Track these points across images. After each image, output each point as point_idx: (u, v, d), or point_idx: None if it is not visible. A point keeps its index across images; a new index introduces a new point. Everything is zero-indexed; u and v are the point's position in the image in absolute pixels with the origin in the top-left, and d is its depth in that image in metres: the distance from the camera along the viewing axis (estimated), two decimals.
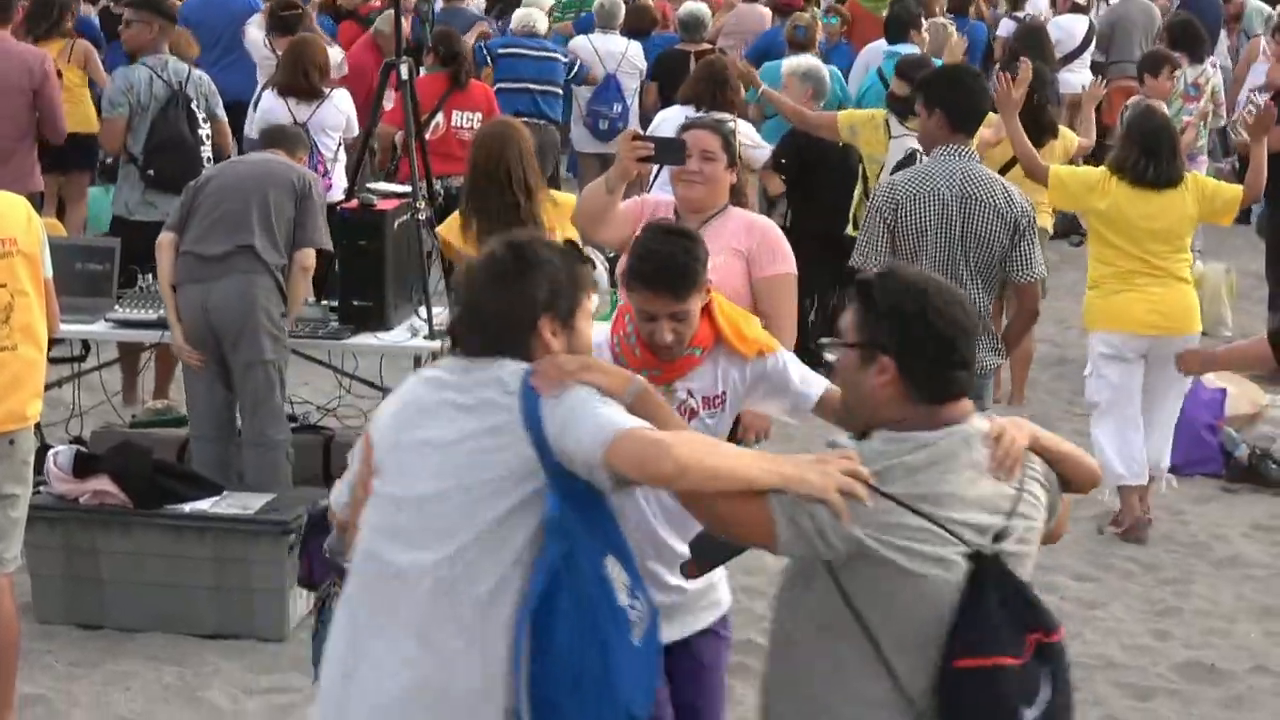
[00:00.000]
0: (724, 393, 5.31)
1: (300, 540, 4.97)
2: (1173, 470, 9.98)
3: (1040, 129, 10.74)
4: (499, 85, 14.33)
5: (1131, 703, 7.55)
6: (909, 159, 10.16)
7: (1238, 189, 9.55)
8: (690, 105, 11.19)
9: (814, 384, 5.25)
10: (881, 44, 14.26)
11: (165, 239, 8.85)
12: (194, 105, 10.77)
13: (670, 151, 6.71)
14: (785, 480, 3.85)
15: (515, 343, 4.19)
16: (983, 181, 7.78)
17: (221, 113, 11.16)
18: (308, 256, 8.88)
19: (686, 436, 4.04)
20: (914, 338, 4.00)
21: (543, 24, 15.28)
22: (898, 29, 14.01)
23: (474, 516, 4.09)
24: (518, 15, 15.57)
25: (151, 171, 10.57)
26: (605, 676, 4.02)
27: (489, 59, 14.70)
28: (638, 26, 16.34)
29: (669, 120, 11.04)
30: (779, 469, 3.88)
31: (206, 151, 10.70)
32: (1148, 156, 9.14)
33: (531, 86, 14.51)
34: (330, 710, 4.24)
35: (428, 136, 11.17)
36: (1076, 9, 18.83)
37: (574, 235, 8.03)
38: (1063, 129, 11.54)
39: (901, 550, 3.85)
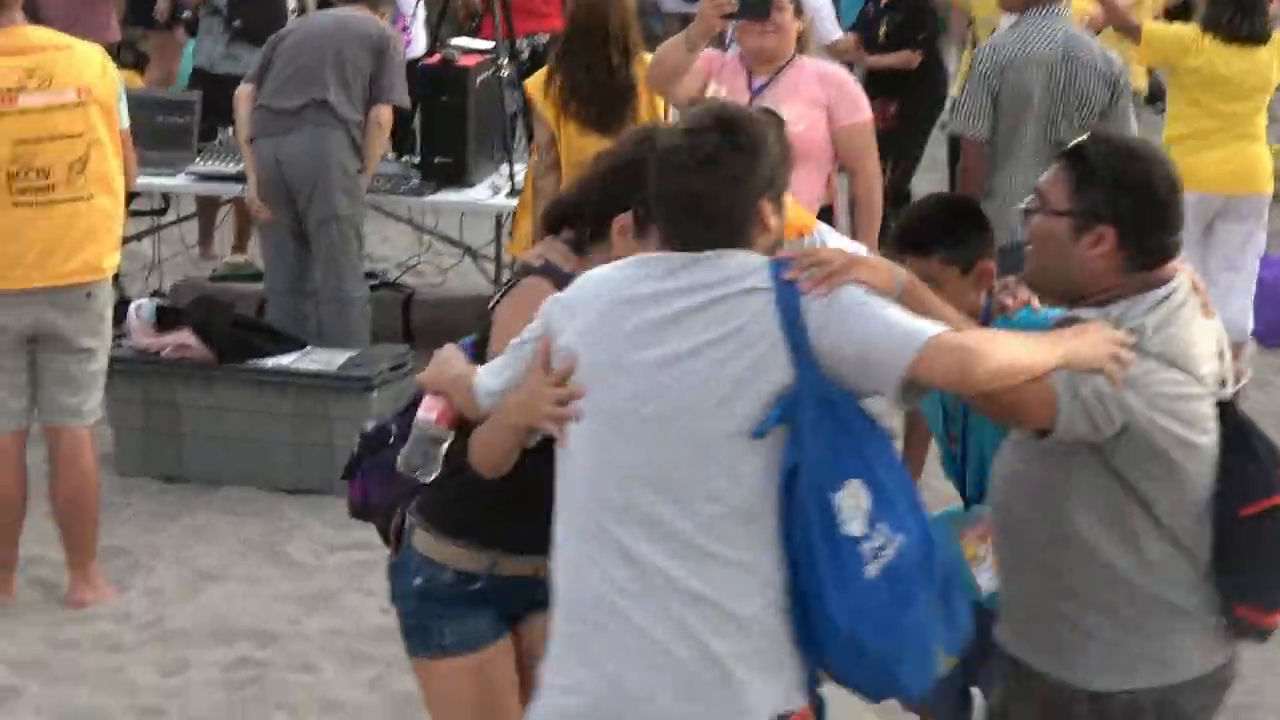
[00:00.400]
0: None
1: (354, 458, 4.49)
2: (1257, 339, 9.87)
3: None
4: None
5: None
6: None
7: None
8: None
9: None
10: None
11: (243, 91, 8.80)
12: None
13: (753, 6, 6.67)
14: (1067, 356, 3.61)
15: (737, 230, 3.60)
16: (1081, 41, 7.68)
17: None
18: (385, 113, 8.79)
19: (979, 334, 3.65)
20: (1138, 207, 3.83)
21: None
22: None
23: (714, 434, 3.52)
24: None
25: (237, 23, 10.47)
26: (820, 606, 3.65)
27: None
28: None
29: None
30: (1060, 347, 3.63)
31: (291, 3, 10.58)
32: (1241, 12, 9.04)
33: None
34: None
35: None
36: None
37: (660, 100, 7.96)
38: None
39: (1173, 416, 3.75)
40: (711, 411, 3.48)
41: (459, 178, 9.26)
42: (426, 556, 4.19)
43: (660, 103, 7.91)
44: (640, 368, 3.53)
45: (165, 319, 8.05)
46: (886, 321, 3.50)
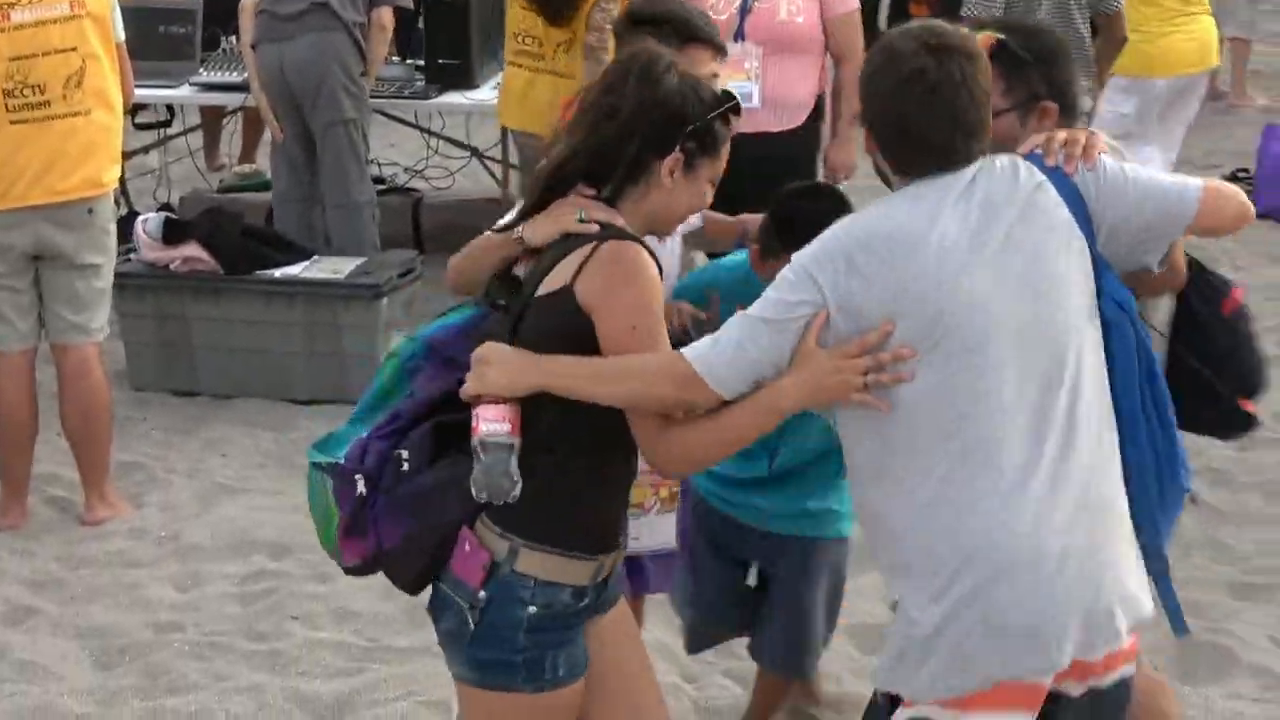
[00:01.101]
0: None
1: (355, 513, 3.75)
2: (1276, 215, 9.82)
3: None
4: None
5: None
6: None
7: None
8: None
9: None
10: None
11: (246, 0, 8.72)
12: None
13: None
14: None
15: (987, 137, 3.62)
16: None
17: None
18: (385, 14, 8.69)
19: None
20: (1061, 74, 3.99)
21: None
22: None
23: (1078, 328, 3.56)
24: None
25: None
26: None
27: None
28: None
29: None
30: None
31: None
32: None
33: None
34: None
35: None
36: None
37: None
38: None
39: None
40: (1076, 308, 3.54)
41: (464, 79, 9.18)
42: (543, 579, 3.70)
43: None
44: (990, 294, 3.47)
45: (173, 232, 8.00)
46: (1157, 180, 3.69)
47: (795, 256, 3.55)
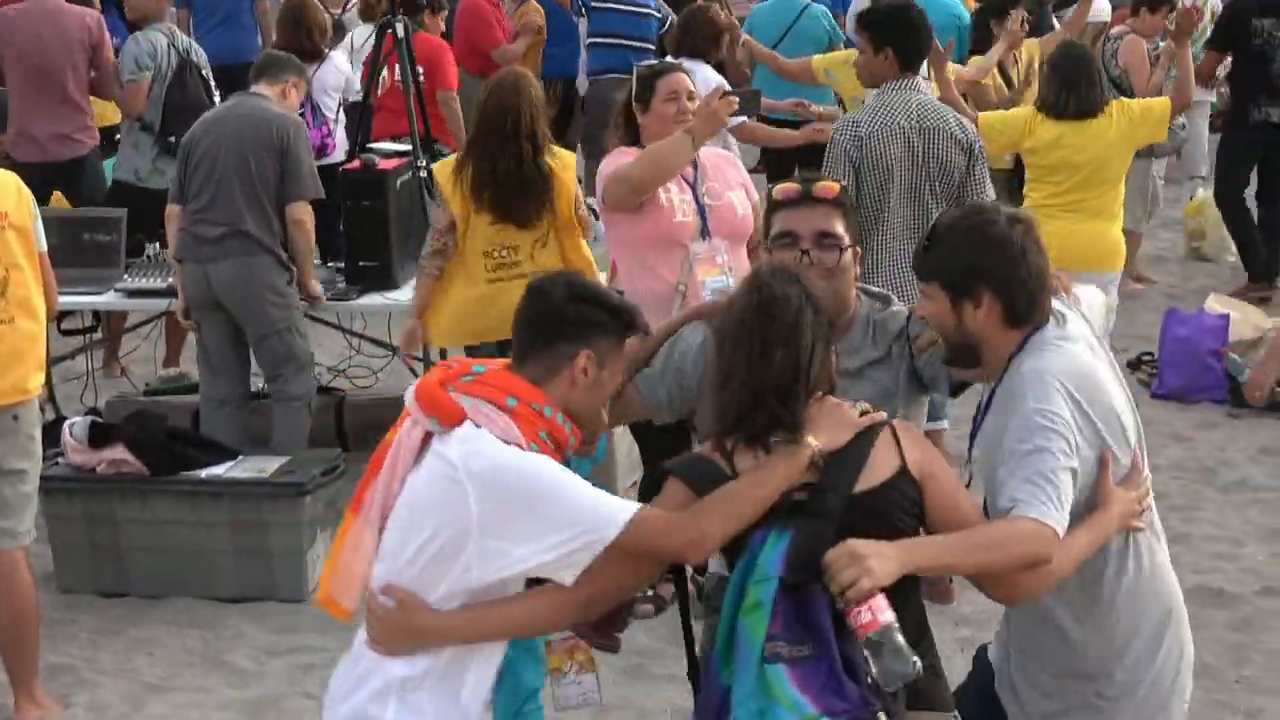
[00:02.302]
0: None
1: None
2: (1179, 397, 10.09)
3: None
4: (591, 40, 14.25)
5: None
6: None
7: (1165, 101, 9.45)
8: (679, 55, 10.82)
9: None
10: None
11: (172, 211, 8.94)
12: (205, 72, 10.78)
13: (750, 104, 7.63)
14: None
15: None
16: (936, 110, 7.88)
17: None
18: (298, 209, 8.86)
19: None
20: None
21: None
22: None
23: None
24: None
25: (171, 138, 10.46)
26: None
27: (583, 9, 14.61)
28: None
29: None
30: None
31: None
32: (1067, 89, 9.20)
33: (623, 42, 14.12)
34: None
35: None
36: None
37: (572, 189, 8.15)
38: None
39: None
40: None
41: (385, 280, 9.36)
42: None
43: (574, 189, 8.12)
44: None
45: (99, 435, 8.14)
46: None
47: (1035, 404, 4.14)
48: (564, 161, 8.27)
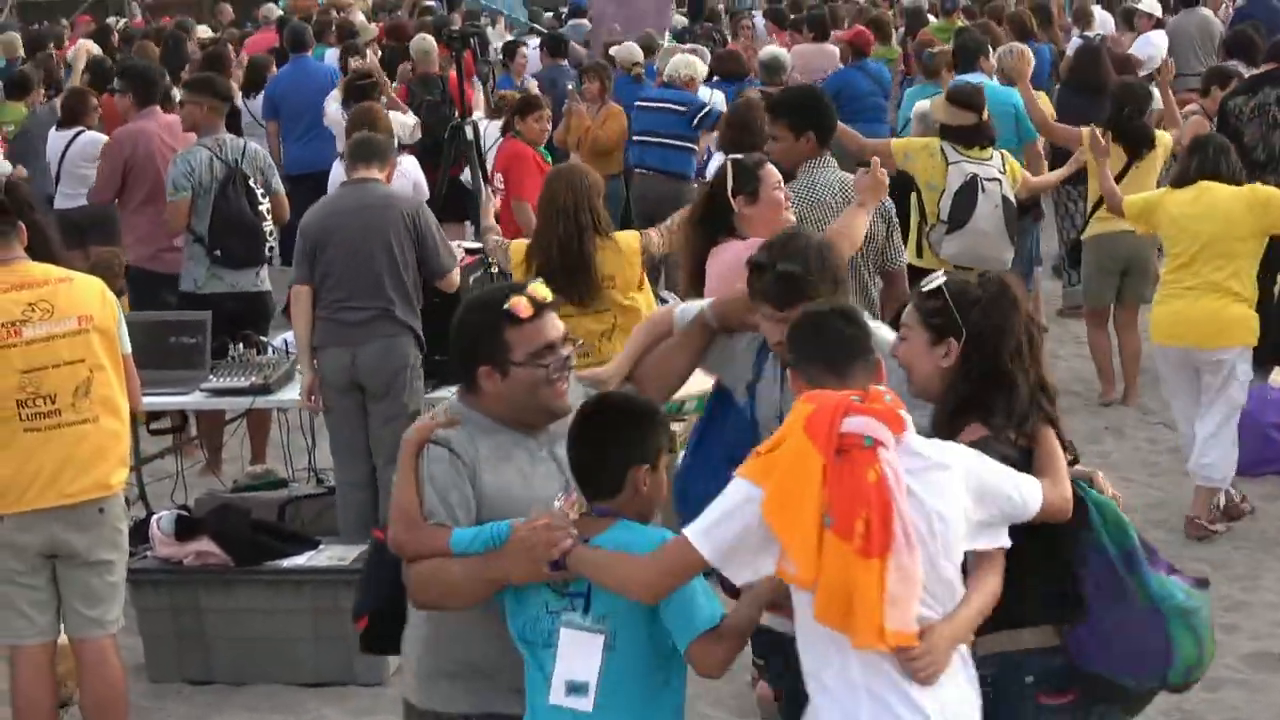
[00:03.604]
0: None
1: None
2: (1242, 471, 10.22)
3: (1139, 142, 11.13)
4: (637, 138, 14.62)
5: (1201, 694, 7.74)
6: (969, 184, 10.45)
7: None
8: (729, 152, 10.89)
9: None
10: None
11: (301, 291, 9.27)
12: (251, 182, 10.98)
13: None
14: None
15: None
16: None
17: (278, 184, 11.33)
18: (449, 283, 9.37)
19: None
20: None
21: (677, 69, 15.01)
22: (967, 58, 14.18)
23: None
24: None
25: (218, 251, 10.84)
26: None
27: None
28: (730, 71, 16.59)
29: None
30: None
31: (269, 225, 10.99)
32: (1196, 157, 9.63)
33: (659, 140, 14.53)
34: None
35: None
36: (1158, 24, 19.01)
37: (634, 274, 8.45)
38: (1157, 132, 11.92)
39: None
40: None
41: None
42: None
43: (638, 276, 8.40)
44: None
45: (185, 529, 8.43)
46: None
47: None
48: (626, 242, 8.65)
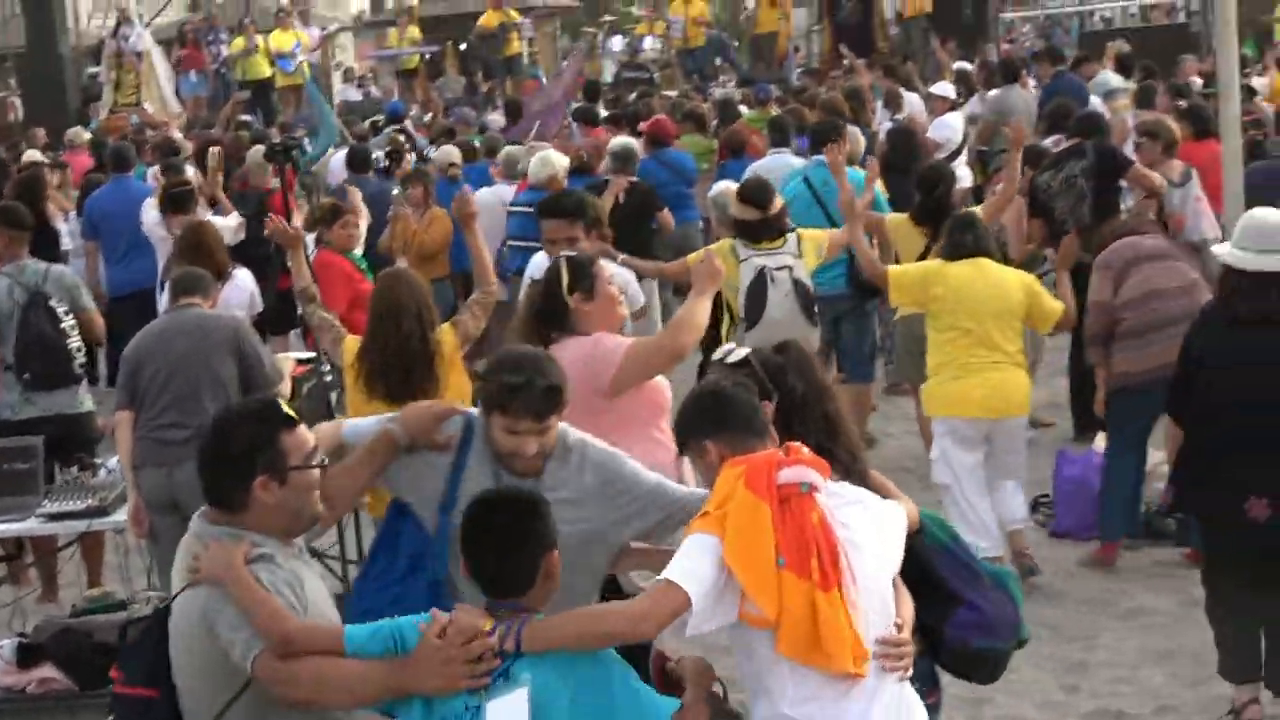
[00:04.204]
0: None
1: None
2: (1074, 534, 10.46)
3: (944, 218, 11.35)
4: (510, 241, 14.36)
5: None
6: (759, 278, 10.61)
7: (1059, 306, 10.09)
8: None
9: None
10: (778, 157, 14.79)
11: (122, 417, 9.32)
12: (54, 301, 10.86)
13: None
14: None
15: None
16: None
17: (87, 302, 11.19)
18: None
19: None
20: None
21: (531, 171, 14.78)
22: (819, 139, 14.30)
23: None
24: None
25: (27, 375, 10.77)
26: None
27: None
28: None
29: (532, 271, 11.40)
30: None
31: (75, 342, 10.88)
32: (970, 232, 9.97)
33: (529, 244, 14.15)
34: None
35: None
36: (953, 106, 19.53)
37: (459, 373, 8.52)
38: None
39: None
40: None
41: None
42: None
43: (461, 376, 8.45)
44: None
45: (26, 656, 8.37)
46: None
47: None
48: (447, 340, 8.70)
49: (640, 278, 10.74)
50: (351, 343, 8.86)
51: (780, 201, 10.96)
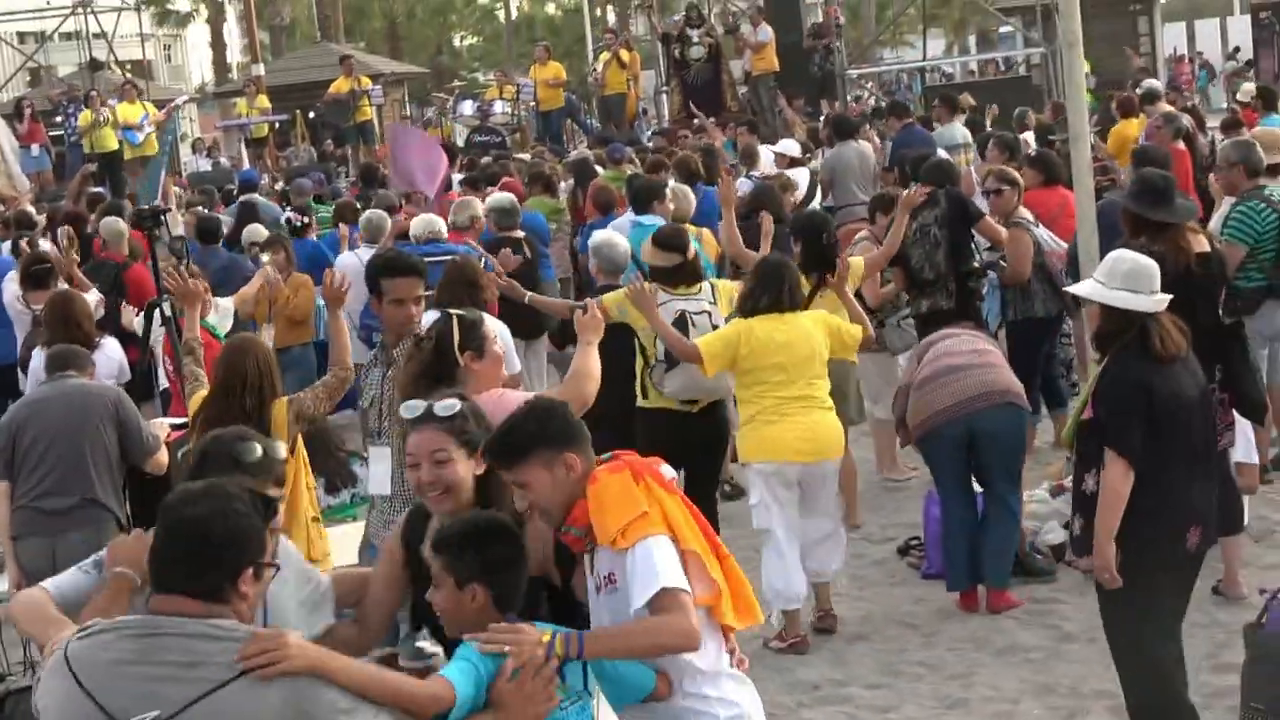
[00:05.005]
0: (613, 572, 5.61)
1: None
2: (937, 576, 10.65)
3: (829, 267, 11.47)
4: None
5: None
6: (679, 321, 10.71)
7: (856, 329, 10.42)
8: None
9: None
10: (628, 216, 14.91)
11: (1, 488, 9.27)
12: None
13: None
14: None
15: None
16: None
17: None
18: (157, 464, 9.46)
19: None
20: None
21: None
22: (644, 199, 14.59)
23: None
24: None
25: None
26: None
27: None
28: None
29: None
30: None
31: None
32: (768, 291, 10.12)
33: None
34: None
35: None
36: (795, 163, 19.80)
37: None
38: (850, 259, 12.20)
39: None
40: None
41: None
42: None
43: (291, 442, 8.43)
44: None
45: None
46: None
47: None
48: (278, 413, 8.53)
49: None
50: (198, 396, 8.83)
51: (694, 248, 11.10)
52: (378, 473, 8.10)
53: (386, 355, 8.41)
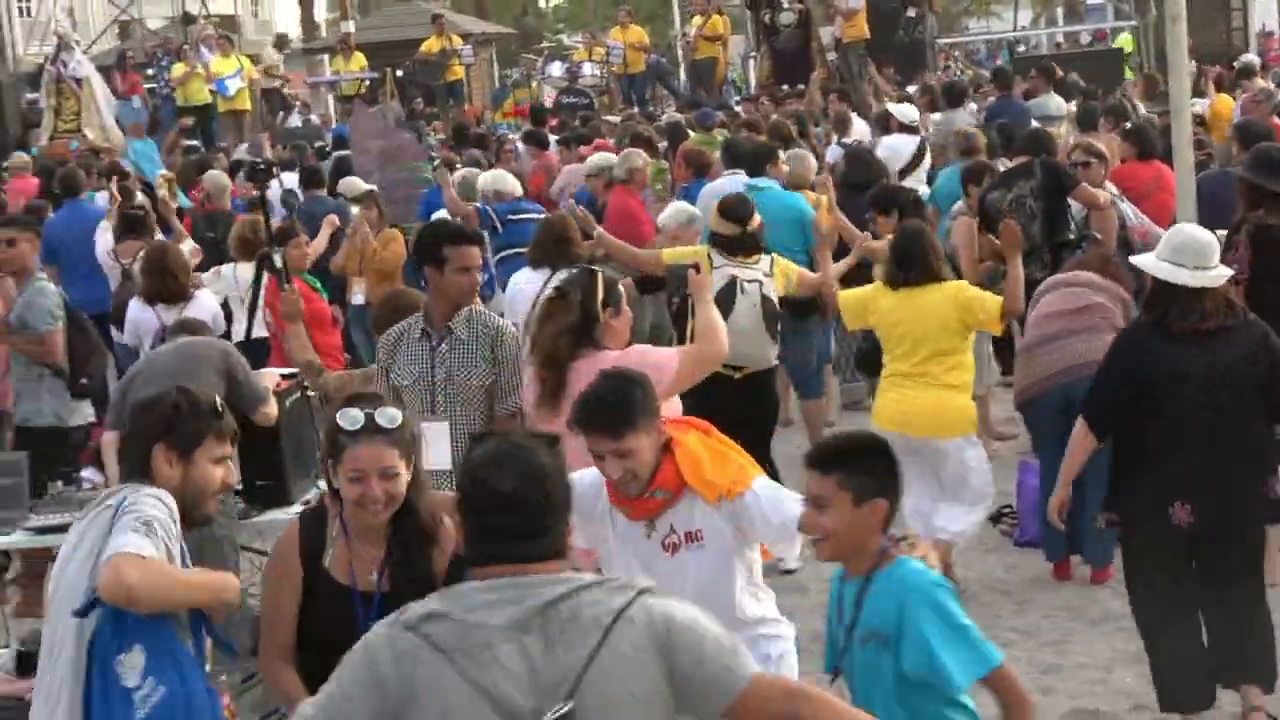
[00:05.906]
0: (700, 529, 5.82)
1: None
2: (1038, 544, 10.70)
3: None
4: (507, 253, 14.16)
5: None
6: (729, 285, 10.83)
7: (997, 301, 10.21)
8: (541, 267, 11.39)
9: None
10: (733, 179, 14.89)
11: (109, 438, 9.48)
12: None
13: None
14: None
15: None
16: None
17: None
18: (265, 415, 9.60)
19: None
20: None
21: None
22: (758, 163, 14.58)
23: None
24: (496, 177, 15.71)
25: (84, 380, 11.21)
26: None
27: (496, 226, 14.56)
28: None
29: (519, 283, 11.72)
30: None
31: None
32: (900, 263, 10.21)
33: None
34: None
35: None
36: (905, 129, 19.65)
37: None
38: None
39: None
40: None
41: (281, 498, 9.81)
42: None
43: None
44: None
45: (25, 664, 8.45)
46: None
47: None
48: None
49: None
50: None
51: (759, 219, 11.18)
52: (438, 449, 7.78)
53: (436, 328, 8.14)
